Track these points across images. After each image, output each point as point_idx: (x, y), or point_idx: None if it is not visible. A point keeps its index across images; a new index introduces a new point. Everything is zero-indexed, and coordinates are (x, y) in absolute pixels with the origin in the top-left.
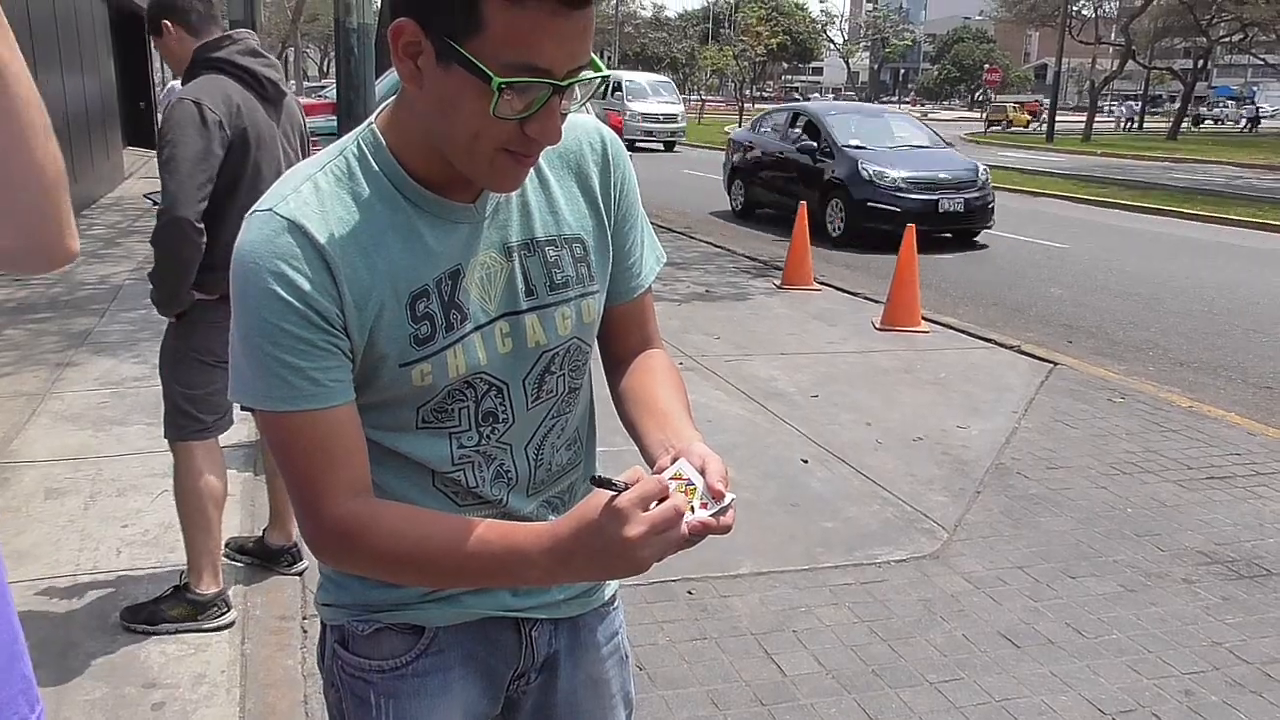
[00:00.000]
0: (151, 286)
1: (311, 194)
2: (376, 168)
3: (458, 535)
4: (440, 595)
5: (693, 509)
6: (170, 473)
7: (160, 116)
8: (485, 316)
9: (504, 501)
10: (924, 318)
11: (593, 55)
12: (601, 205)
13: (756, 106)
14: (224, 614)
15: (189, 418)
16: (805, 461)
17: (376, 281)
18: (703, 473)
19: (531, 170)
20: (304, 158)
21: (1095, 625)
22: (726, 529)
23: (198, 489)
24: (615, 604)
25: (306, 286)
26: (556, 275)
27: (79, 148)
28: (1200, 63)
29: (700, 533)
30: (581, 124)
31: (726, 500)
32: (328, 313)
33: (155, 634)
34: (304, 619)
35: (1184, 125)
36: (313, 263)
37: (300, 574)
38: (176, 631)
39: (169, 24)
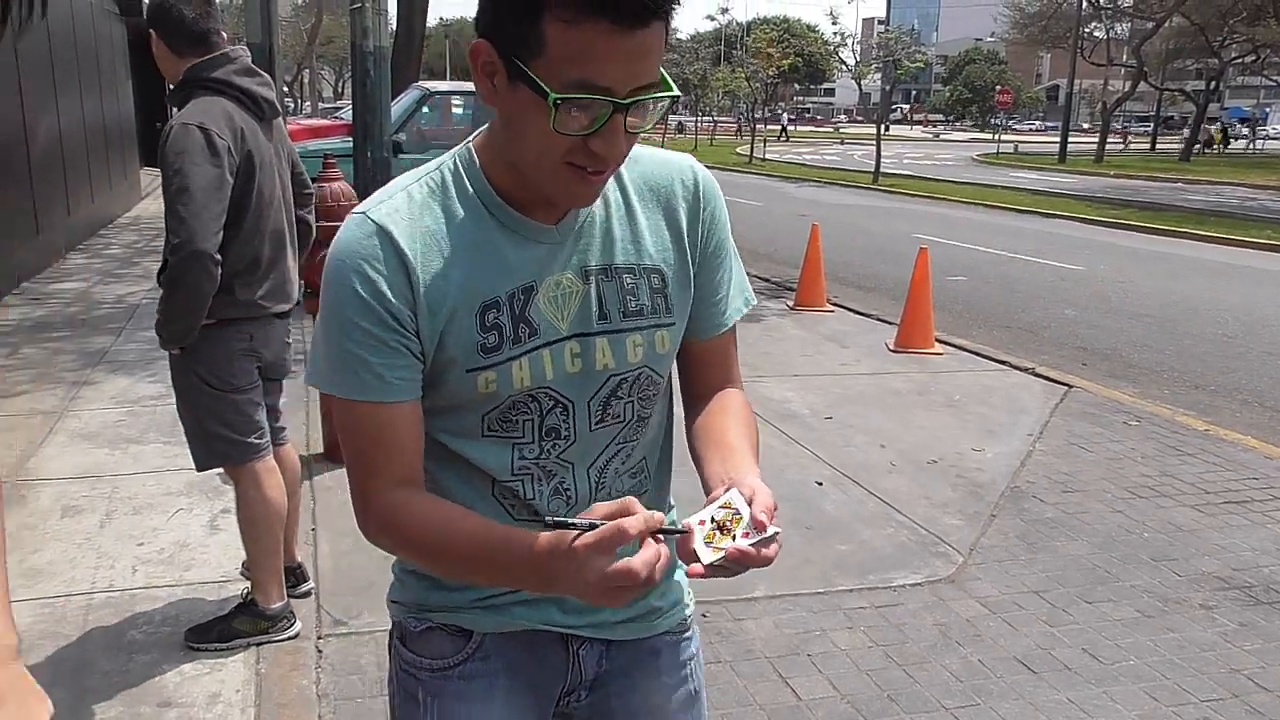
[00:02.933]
0: (160, 320)
1: (404, 203)
2: (468, 183)
3: (474, 531)
4: (489, 603)
5: (734, 537)
6: (188, 492)
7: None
8: (556, 334)
9: (558, 516)
10: (937, 339)
11: (663, 74)
12: (686, 240)
13: (768, 128)
14: (292, 625)
15: (230, 443)
16: (820, 484)
17: (451, 289)
18: (750, 504)
19: (619, 199)
20: (295, 181)
21: (1112, 651)
22: (767, 561)
23: (264, 511)
24: (687, 633)
25: (384, 288)
26: (631, 303)
27: (97, 168)
28: (1212, 84)
29: (739, 560)
30: (676, 160)
31: (769, 532)
32: (400, 314)
33: (229, 650)
34: (318, 639)
35: (1199, 144)
36: (392, 266)
37: (308, 594)
38: (250, 645)
39: (155, 35)
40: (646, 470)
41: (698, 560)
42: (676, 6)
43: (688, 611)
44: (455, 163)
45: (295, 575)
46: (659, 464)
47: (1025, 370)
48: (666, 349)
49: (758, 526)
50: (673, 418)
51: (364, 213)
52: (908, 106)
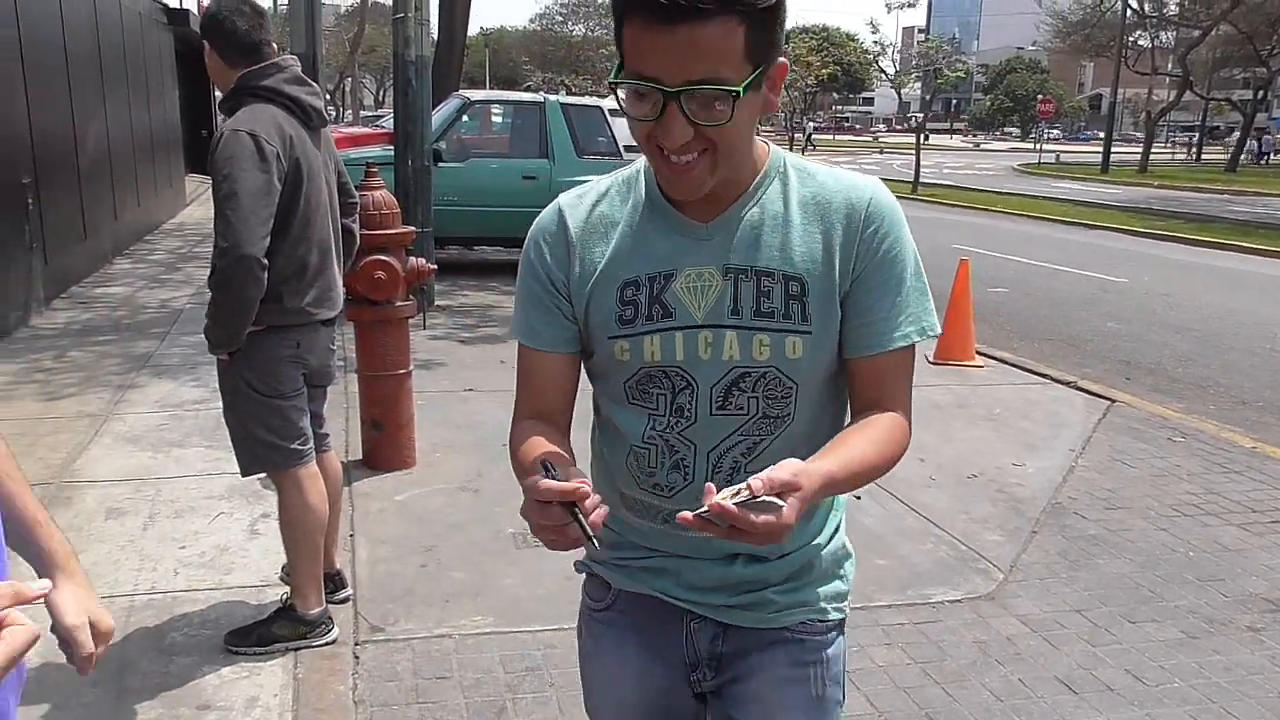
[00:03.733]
0: (208, 324)
1: (590, 190)
2: (643, 180)
3: (525, 453)
4: (621, 562)
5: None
6: (229, 496)
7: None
8: (690, 321)
9: (674, 492)
10: (978, 352)
11: (737, 73)
12: (838, 256)
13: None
14: (330, 630)
15: (273, 448)
16: (858, 498)
17: (600, 264)
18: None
19: (780, 210)
20: (340, 189)
21: (1156, 673)
22: (755, 527)
23: (306, 517)
24: (818, 636)
25: (548, 256)
26: (764, 304)
27: (144, 174)
28: (1260, 93)
29: (721, 515)
30: (856, 182)
31: (760, 497)
32: (556, 280)
33: (267, 654)
34: (356, 645)
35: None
36: (559, 240)
37: (346, 600)
38: (288, 650)
39: (208, 45)
40: None
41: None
42: (709, 8)
43: (820, 614)
44: (646, 162)
45: (334, 581)
46: None
47: (1067, 384)
48: (799, 355)
49: (752, 491)
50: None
51: (563, 195)
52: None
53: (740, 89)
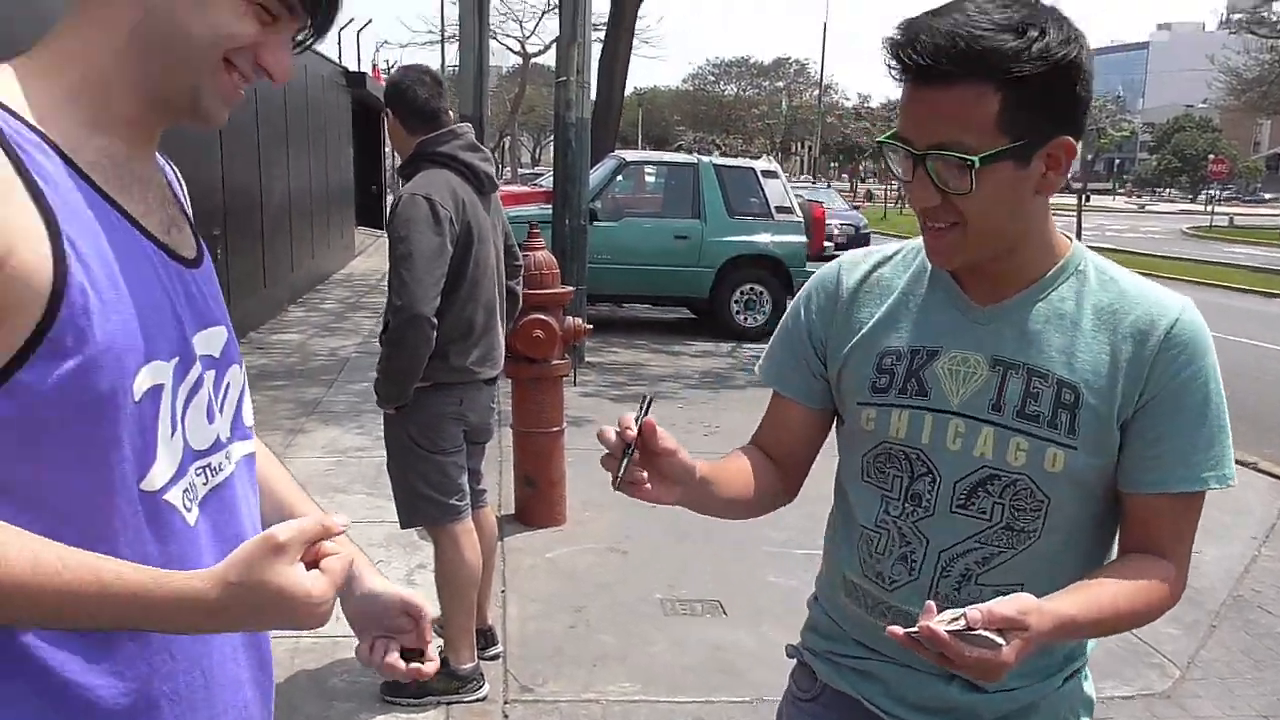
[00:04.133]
0: (379, 378)
1: (877, 252)
2: None
3: (723, 459)
4: (833, 657)
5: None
6: (387, 545)
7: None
8: (944, 405)
9: (896, 586)
10: None
11: (968, 140)
12: (1123, 375)
13: None
14: (481, 686)
15: (432, 503)
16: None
17: (865, 325)
18: None
19: (1072, 310)
20: (506, 251)
21: None
22: (963, 660)
23: (460, 572)
24: None
25: (813, 308)
26: (1030, 406)
27: (319, 227)
28: None
29: (930, 640)
30: (1162, 298)
31: (976, 630)
32: (815, 334)
33: (419, 707)
34: (505, 704)
35: None
36: (828, 295)
37: (496, 657)
38: (440, 704)
39: (391, 112)
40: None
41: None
42: (955, 71)
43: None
44: None
45: (485, 637)
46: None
47: (1248, 465)
48: (1058, 469)
49: (970, 622)
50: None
51: (846, 254)
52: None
53: (976, 159)
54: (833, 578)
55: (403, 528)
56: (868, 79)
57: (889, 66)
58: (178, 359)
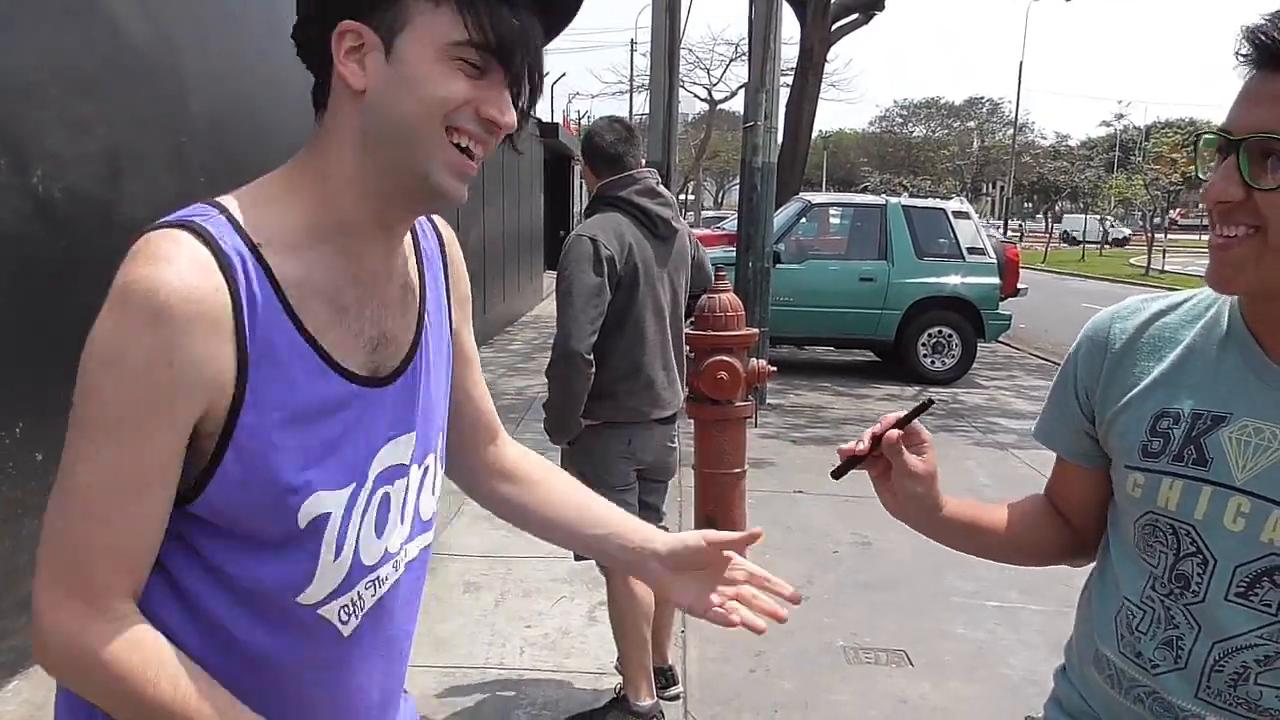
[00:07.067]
0: (544, 414)
1: (1159, 300)
2: (1229, 302)
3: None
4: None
5: None
6: (571, 580)
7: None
8: (1228, 479)
9: (1158, 671)
10: None
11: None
12: None
13: (1168, 238)
14: None
15: None
16: None
17: (1141, 380)
18: None
19: None
20: (692, 292)
21: None
22: None
23: (633, 609)
24: None
25: (1081, 358)
26: None
27: (509, 270)
28: None
29: None
30: None
31: None
32: (1081, 387)
33: None
34: None
35: None
36: (1095, 346)
37: (676, 698)
38: None
39: (585, 157)
40: None
41: None
42: None
43: None
44: None
45: (665, 677)
46: None
47: None
48: None
49: None
50: None
51: (1125, 301)
52: None
53: None
54: (1084, 649)
55: (575, 559)
56: (1064, 118)
57: (1240, 56)
58: (353, 485)
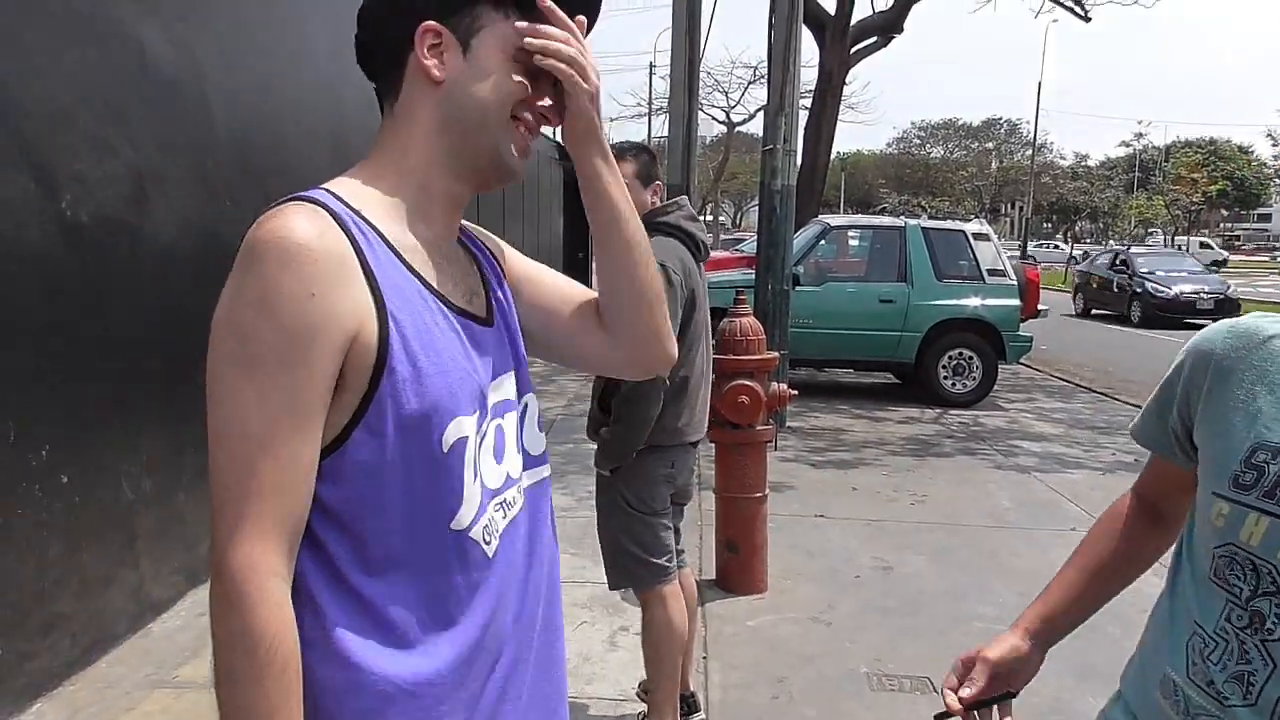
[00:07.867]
0: (609, 439)
1: (1272, 323)
2: None
3: (1082, 546)
4: None
5: None
6: (590, 606)
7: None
8: None
9: (1228, 704)
10: None
11: None
12: None
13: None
14: None
15: (642, 564)
16: None
17: (1239, 410)
18: None
19: None
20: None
21: None
22: None
23: (669, 634)
24: None
25: (1185, 371)
26: None
27: None
28: None
29: None
30: None
31: None
32: (1181, 403)
33: None
34: None
35: None
36: (1200, 359)
37: None
38: None
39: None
40: None
41: None
42: None
43: None
44: None
45: (688, 703)
46: None
47: None
48: None
49: None
50: None
51: (1247, 315)
52: None
53: None
54: (1149, 672)
55: (611, 589)
56: (1083, 138)
57: None
58: (477, 412)
